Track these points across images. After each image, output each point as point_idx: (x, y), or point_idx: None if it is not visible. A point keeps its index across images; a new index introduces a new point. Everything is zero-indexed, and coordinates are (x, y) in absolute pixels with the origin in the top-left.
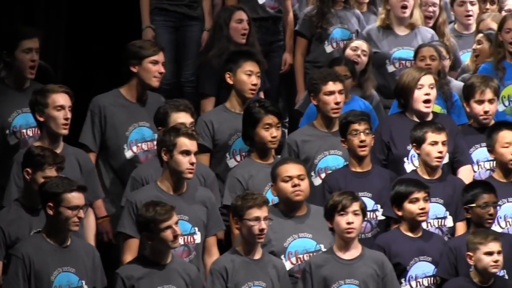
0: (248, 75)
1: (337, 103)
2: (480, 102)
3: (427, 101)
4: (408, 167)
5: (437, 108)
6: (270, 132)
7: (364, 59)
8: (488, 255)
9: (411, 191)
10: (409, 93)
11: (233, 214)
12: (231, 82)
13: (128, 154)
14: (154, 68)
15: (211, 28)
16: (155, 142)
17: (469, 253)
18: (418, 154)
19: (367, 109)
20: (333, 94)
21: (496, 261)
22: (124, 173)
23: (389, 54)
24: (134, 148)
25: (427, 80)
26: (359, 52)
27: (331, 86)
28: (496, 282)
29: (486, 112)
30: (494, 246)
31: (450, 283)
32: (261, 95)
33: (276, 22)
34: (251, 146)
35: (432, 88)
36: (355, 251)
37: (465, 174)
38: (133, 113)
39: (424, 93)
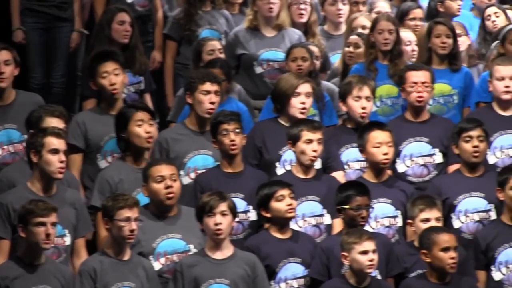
0: (104, 78)
1: (211, 103)
2: (358, 98)
3: (302, 109)
4: (280, 171)
5: (310, 110)
6: (143, 128)
7: (222, 56)
8: (363, 254)
9: (275, 190)
10: (285, 100)
11: (103, 215)
12: (96, 88)
13: None
14: None
15: (94, 29)
16: (24, 144)
17: (344, 253)
18: (294, 152)
19: (241, 110)
20: (209, 94)
21: (371, 260)
22: None
23: (256, 55)
24: (0, 151)
25: (305, 88)
26: (217, 53)
27: (208, 86)
28: (372, 283)
29: (363, 108)
30: (369, 245)
31: (326, 285)
32: (147, 97)
33: (145, 22)
34: (125, 149)
35: (308, 97)
36: (227, 251)
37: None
38: None
39: (300, 101)
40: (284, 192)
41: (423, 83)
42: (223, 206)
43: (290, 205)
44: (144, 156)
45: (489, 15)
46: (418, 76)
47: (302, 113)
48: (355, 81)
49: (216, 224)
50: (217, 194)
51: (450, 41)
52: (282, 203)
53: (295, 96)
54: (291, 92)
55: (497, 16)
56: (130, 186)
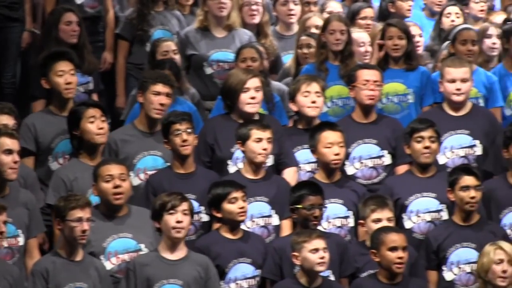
0: (60, 76)
1: (161, 104)
2: (307, 93)
3: (252, 103)
4: (232, 169)
5: (259, 110)
6: (96, 124)
7: (177, 57)
8: (314, 252)
9: (229, 192)
10: (235, 96)
11: (55, 215)
12: (48, 87)
13: None
14: None
15: (42, 30)
16: None
17: (294, 253)
18: (243, 152)
19: (191, 110)
20: (160, 95)
21: (322, 258)
22: None
23: (206, 56)
24: None
25: (254, 83)
26: (171, 54)
27: (160, 87)
28: (323, 283)
29: (313, 102)
30: (319, 243)
31: (277, 285)
32: (95, 97)
33: (95, 22)
34: (79, 147)
35: (258, 91)
36: (181, 252)
37: (290, 176)
38: None
39: (250, 96)
40: (238, 194)
41: (374, 81)
42: (184, 206)
43: (242, 208)
44: (99, 153)
45: (450, 13)
46: (370, 74)
47: (252, 107)
48: (303, 78)
49: (178, 222)
50: (178, 193)
51: (402, 42)
52: (234, 205)
53: (244, 92)
54: (240, 87)
55: (458, 17)
56: (85, 183)
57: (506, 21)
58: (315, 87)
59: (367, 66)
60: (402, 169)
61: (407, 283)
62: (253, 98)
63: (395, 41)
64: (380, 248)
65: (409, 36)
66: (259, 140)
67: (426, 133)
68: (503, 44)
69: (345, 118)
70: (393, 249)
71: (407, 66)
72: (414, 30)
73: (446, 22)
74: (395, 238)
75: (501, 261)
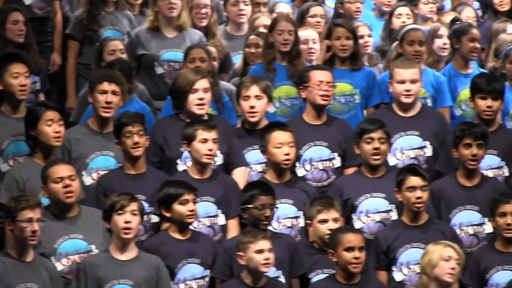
0: (15, 77)
1: (107, 103)
2: (247, 97)
3: (200, 105)
4: (181, 168)
5: (208, 110)
6: (53, 127)
7: (124, 56)
8: (259, 253)
9: (181, 193)
10: (183, 96)
11: (5, 216)
12: (1, 87)
13: None
14: None
15: None
16: None
17: (239, 253)
18: (189, 152)
19: (144, 110)
20: (106, 93)
21: (267, 259)
22: None
23: (157, 56)
24: None
25: (202, 84)
26: (118, 54)
27: (105, 85)
28: (268, 282)
29: (252, 107)
30: (264, 244)
31: (224, 285)
32: (42, 97)
33: (43, 23)
34: (34, 147)
35: (206, 92)
36: (131, 252)
37: (239, 175)
38: None
39: (198, 97)
40: (189, 197)
41: (328, 82)
42: (133, 206)
43: (192, 210)
44: (53, 155)
45: (400, 14)
46: (323, 75)
47: (200, 108)
48: (244, 81)
49: (126, 222)
50: (128, 194)
51: (350, 42)
52: (184, 207)
53: (192, 93)
54: (188, 88)
55: (408, 18)
56: (38, 183)
57: (454, 20)
58: (254, 90)
59: (319, 67)
60: (350, 171)
61: (365, 283)
62: (201, 99)
63: (343, 41)
64: (337, 248)
65: (355, 37)
66: (205, 140)
67: (376, 134)
68: (453, 44)
69: (296, 118)
70: (350, 249)
71: (352, 67)
72: (363, 30)
73: (397, 23)
74: (351, 238)
75: (450, 258)
